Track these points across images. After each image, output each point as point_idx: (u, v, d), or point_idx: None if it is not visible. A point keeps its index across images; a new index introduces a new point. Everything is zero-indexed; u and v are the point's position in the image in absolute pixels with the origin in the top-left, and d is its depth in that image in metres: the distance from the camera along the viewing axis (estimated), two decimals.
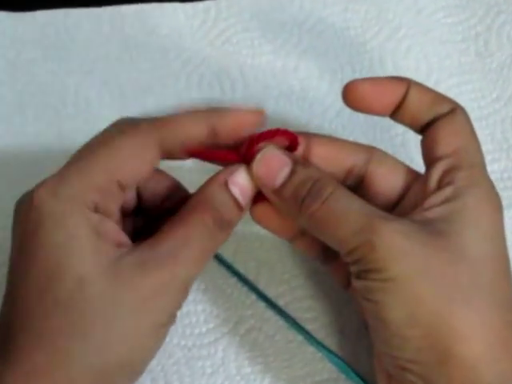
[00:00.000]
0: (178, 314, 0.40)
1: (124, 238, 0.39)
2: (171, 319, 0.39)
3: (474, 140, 0.41)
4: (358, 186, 0.44)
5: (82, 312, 0.36)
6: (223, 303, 0.50)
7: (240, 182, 0.41)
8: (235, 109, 0.42)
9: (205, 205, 0.40)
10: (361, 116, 0.55)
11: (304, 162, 0.42)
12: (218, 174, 0.41)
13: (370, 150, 0.43)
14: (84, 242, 0.37)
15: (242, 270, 0.50)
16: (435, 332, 0.36)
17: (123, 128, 0.40)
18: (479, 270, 0.37)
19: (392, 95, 0.42)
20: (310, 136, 0.43)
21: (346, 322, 0.49)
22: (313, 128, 0.55)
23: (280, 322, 0.49)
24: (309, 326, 0.49)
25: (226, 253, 0.51)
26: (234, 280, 0.50)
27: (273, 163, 0.41)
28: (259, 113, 0.42)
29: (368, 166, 0.43)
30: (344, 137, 0.45)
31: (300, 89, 0.57)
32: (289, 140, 0.42)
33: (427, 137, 0.42)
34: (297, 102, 0.57)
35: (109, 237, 0.38)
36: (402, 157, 0.44)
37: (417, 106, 0.42)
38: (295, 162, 0.41)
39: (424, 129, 0.42)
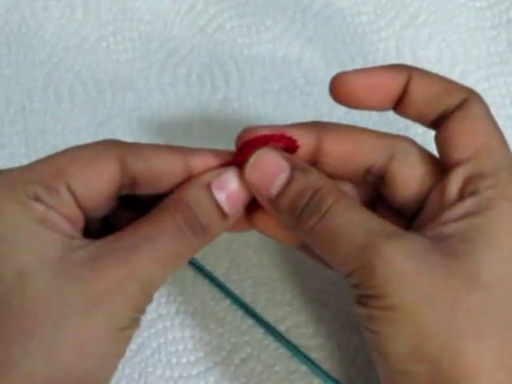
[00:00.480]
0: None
1: (77, 234, 0.40)
2: (131, 323, 0.40)
3: (497, 137, 0.41)
4: (379, 182, 0.44)
5: (22, 311, 0.37)
6: (215, 328, 0.51)
7: (228, 187, 0.42)
8: (208, 149, 0.44)
9: (178, 204, 0.41)
10: (374, 114, 0.57)
11: (304, 166, 0.42)
12: (202, 174, 0.43)
13: (394, 145, 0.43)
14: (24, 231, 0.38)
15: (236, 291, 0.52)
16: (441, 369, 0.37)
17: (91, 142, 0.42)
18: (496, 298, 0.38)
19: (388, 88, 0.42)
20: (320, 131, 0.43)
21: (357, 351, 0.51)
22: None
23: (280, 349, 0.51)
24: (313, 355, 0.51)
25: (219, 271, 0.53)
26: (227, 302, 0.52)
27: (268, 168, 0.42)
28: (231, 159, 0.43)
29: (389, 164, 0.43)
30: None
31: (304, 82, 0.59)
32: (286, 145, 0.43)
33: (440, 135, 0.42)
34: (300, 98, 0.59)
35: (57, 227, 0.39)
36: None
37: (422, 98, 0.42)
38: (294, 167, 0.42)
39: (436, 124, 0.42)
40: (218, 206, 0.42)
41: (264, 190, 0.42)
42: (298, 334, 0.51)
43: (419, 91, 0.42)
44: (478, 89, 0.54)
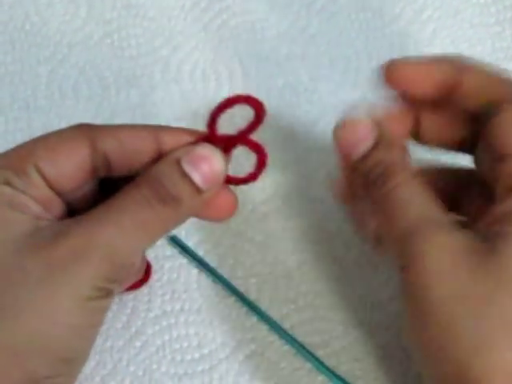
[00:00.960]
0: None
1: (48, 215, 0.41)
2: (99, 293, 0.40)
3: None
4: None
5: None
6: (219, 325, 0.51)
7: (200, 163, 0.41)
8: (180, 127, 0.45)
9: (147, 178, 0.41)
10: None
11: (389, 139, 0.43)
12: (173, 151, 0.43)
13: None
14: None
15: (241, 288, 0.52)
16: (468, 368, 0.37)
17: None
18: None
19: (440, 79, 0.43)
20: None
21: (362, 348, 0.51)
22: (323, 124, 0.57)
23: (285, 346, 0.51)
24: (319, 352, 0.50)
25: (223, 268, 0.53)
26: (232, 299, 0.52)
27: (358, 132, 0.43)
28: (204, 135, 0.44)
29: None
30: None
31: (308, 79, 0.59)
32: (254, 108, 0.43)
33: (490, 128, 0.42)
34: (305, 94, 0.58)
35: (26, 209, 0.40)
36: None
37: (473, 91, 0.43)
38: (380, 137, 0.43)
39: (485, 117, 0.43)
40: (190, 180, 0.41)
41: (348, 151, 0.43)
42: (303, 332, 0.51)
43: (471, 84, 0.43)
44: None
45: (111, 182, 0.44)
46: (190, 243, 0.53)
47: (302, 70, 0.59)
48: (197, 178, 0.41)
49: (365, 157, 0.43)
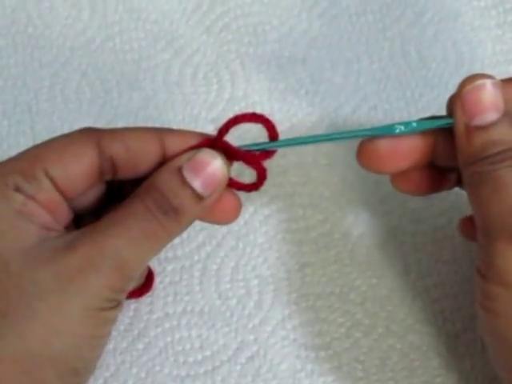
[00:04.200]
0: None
1: (56, 226, 0.42)
2: (108, 304, 0.41)
3: None
4: None
5: None
6: (221, 327, 0.52)
7: (202, 170, 0.42)
8: (186, 130, 0.45)
9: (149, 188, 0.42)
10: (380, 113, 0.58)
11: None
12: (175, 158, 0.43)
13: None
14: (2, 221, 0.40)
15: (242, 290, 0.52)
16: None
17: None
18: None
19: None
20: None
21: (365, 351, 0.51)
22: (325, 126, 0.57)
23: (286, 349, 0.51)
24: (320, 353, 0.51)
25: (224, 270, 0.53)
26: (233, 301, 0.52)
27: (485, 99, 0.41)
28: (209, 138, 0.44)
29: None
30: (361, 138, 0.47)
31: (310, 82, 0.59)
32: (266, 128, 0.45)
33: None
34: (306, 97, 0.59)
35: (33, 218, 0.40)
36: None
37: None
38: (505, 112, 0.41)
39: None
40: (191, 188, 0.42)
41: (468, 115, 0.41)
42: (305, 333, 0.51)
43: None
44: None
45: (116, 184, 0.45)
46: (192, 245, 0.53)
47: (304, 72, 0.59)
48: (197, 185, 0.42)
49: (487, 128, 0.41)
